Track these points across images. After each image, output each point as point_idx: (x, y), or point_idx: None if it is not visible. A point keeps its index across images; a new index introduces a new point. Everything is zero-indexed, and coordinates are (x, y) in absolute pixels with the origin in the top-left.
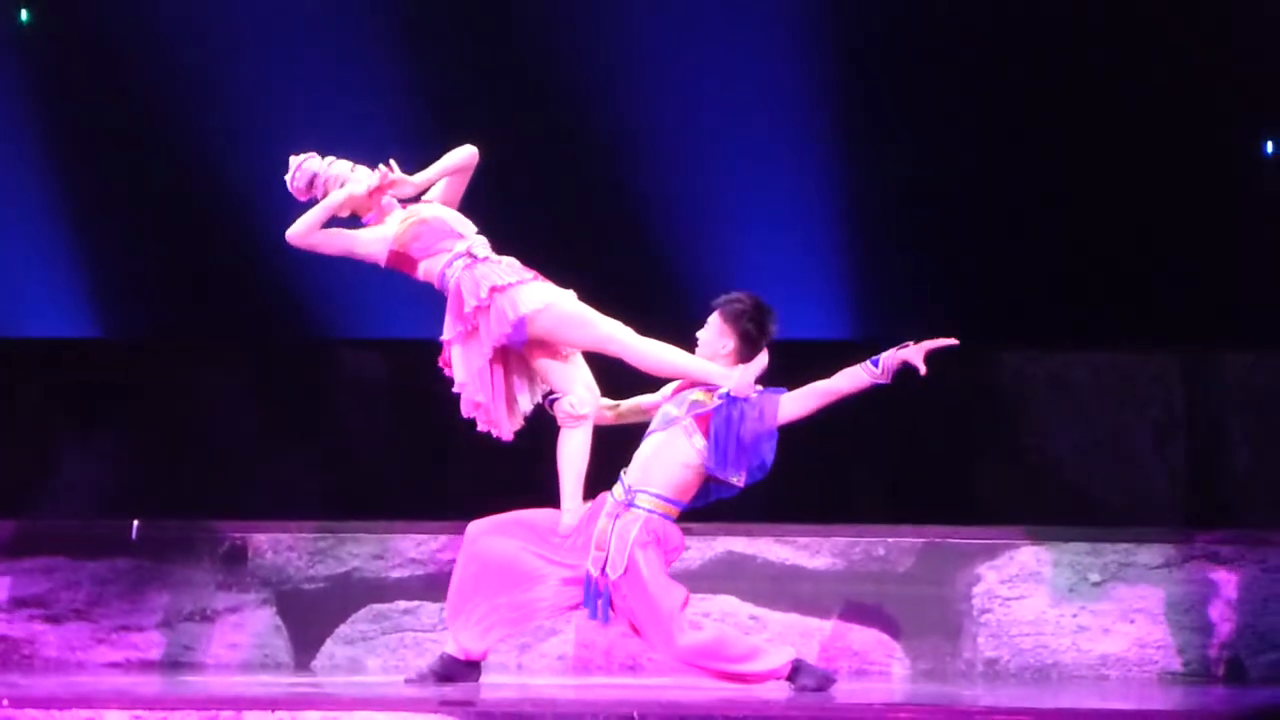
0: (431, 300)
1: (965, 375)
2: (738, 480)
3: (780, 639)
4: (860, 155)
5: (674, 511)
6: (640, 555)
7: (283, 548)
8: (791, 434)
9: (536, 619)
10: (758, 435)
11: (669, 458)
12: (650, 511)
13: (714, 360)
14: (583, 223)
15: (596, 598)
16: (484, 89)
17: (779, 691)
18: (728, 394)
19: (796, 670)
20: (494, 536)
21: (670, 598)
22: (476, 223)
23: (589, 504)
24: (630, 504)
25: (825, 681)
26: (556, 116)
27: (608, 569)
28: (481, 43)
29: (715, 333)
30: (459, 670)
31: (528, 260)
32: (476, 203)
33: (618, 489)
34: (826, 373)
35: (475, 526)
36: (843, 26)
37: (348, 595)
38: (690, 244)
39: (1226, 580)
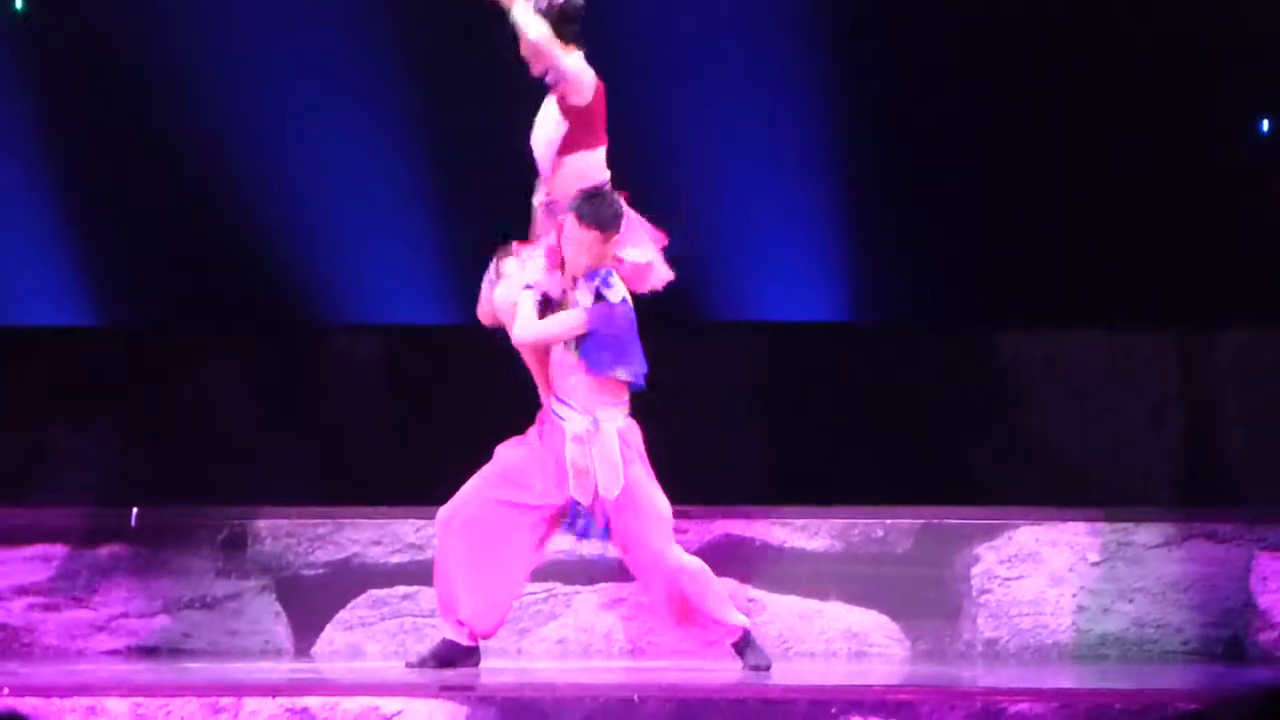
0: (428, 285)
1: (962, 356)
2: (625, 376)
3: (779, 621)
4: (857, 137)
5: (627, 407)
6: (633, 471)
7: (282, 534)
8: (791, 417)
9: (529, 567)
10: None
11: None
12: (614, 422)
13: (579, 258)
14: None
15: (589, 523)
16: (478, 71)
17: (730, 664)
18: (596, 299)
19: (746, 644)
20: (466, 512)
21: (665, 506)
22: (472, 207)
23: (531, 433)
24: (597, 426)
25: (768, 664)
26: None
27: (601, 492)
28: (476, 27)
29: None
30: (459, 655)
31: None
32: (473, 186)
33: (576, 417)
34: (821, 354)
35: (444, 512)
36: (841, 9)
37: (347, 581)
38: (686, 227)
39: (1225, 559)
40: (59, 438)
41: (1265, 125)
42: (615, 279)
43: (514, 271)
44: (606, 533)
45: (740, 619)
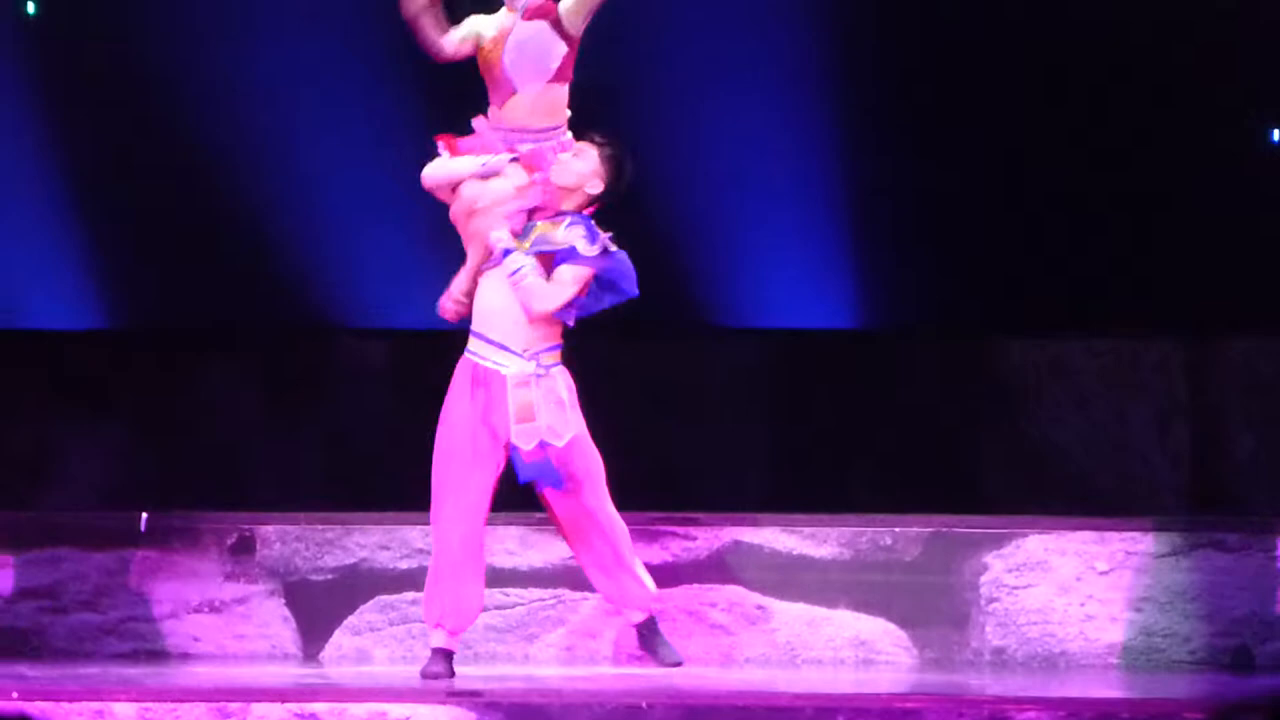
0: (436, 288)
1: (969, 363)
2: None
3: (786, 628)
4: (863, 144)
5: (561, 347)
6: (577, 417)
7: (290, 539)
8: (796, 423)
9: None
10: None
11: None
12: (558, 364)
13: (571, 195)
14: None
15: (542, 468)
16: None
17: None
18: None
19: (654, 631)
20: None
21: (599, 457)
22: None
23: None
24: (546, 369)
25: (679, 660)
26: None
27: (550, 437)
28: None
29: (589, 167)
30: (447, 659)
31: None
32: None
33: (515, 360)
34: (831, 361)
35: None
36: (844, 10)
37: (355, 586)
38: (691, 234)
39: (1233, 568)
40: (67, 441)
41: (1276, 135)
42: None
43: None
44: (559, 480)
45: (653, 591)
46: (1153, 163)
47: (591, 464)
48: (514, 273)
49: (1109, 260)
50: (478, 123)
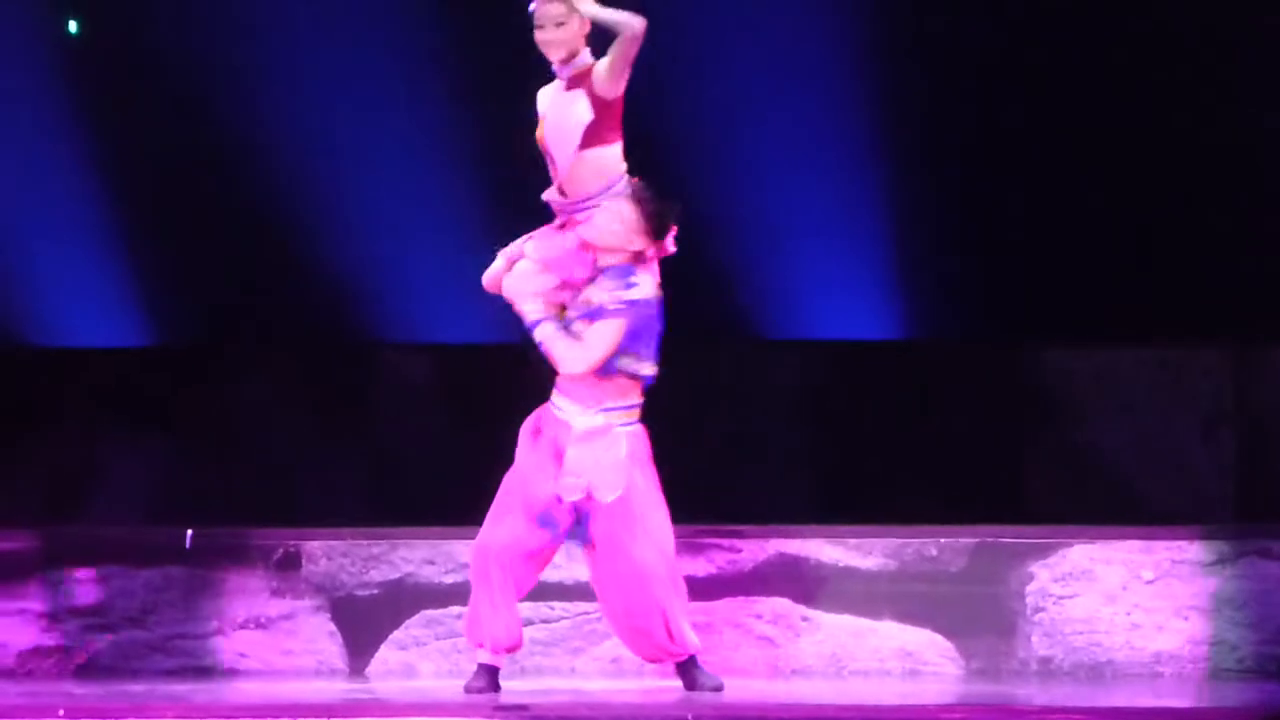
0: (479, 303)
1: (1012, 373)
2: (644, 370)
3: (832, 640)
4: (906, 155)
5: (638, 410)
6: (633, 478)
7: (336, 554)
8: (841, 435)
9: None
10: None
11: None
12: (624, 424)
13: (607, 245)
14: None
15: (579, 525)
16: (525, 82)
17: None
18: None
19: (693, 666)
20: (494, 547)
21: (661, 520)
22: (525, 227)
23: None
24: (606, 425)
25: (719, 685)
26: None
27: (596, 493)
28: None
29: (617, 217)
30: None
31: None
32: (527, 206)
33: (579, 414)
34: (876, 373)
35: (476, 544)
36: (888, 27)
37: (401, 601)
38: (737, 249)
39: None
40: (112, 458)
41: None
42: (639, 275)
43: (531, 254)
44: (585, 535)
45: (694, 641)
46: (1198, 170)
47: (635, 528)
48: (540, 343)
49: (1153, 268)
50: (546, 196)
